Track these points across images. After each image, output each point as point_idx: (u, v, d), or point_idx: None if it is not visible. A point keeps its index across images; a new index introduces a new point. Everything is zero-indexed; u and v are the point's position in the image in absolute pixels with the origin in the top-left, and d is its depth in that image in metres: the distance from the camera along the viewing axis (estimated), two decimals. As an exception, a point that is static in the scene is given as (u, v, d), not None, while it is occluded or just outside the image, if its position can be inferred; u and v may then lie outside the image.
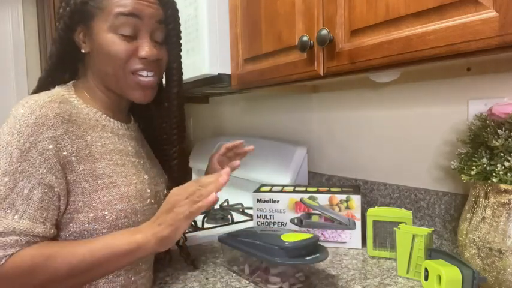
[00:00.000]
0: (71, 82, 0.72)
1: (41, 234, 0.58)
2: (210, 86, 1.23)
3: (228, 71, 1.13)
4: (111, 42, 0.66)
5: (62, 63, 0.72)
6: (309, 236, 0.76)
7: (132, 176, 0.69)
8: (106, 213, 0.64)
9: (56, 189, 0.60)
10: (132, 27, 0.66)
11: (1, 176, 0.56)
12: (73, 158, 0.62)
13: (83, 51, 0.70)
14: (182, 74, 0.80)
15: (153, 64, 0.70)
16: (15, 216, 0.56)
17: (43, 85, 0.71)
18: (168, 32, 0.74)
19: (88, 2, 0.66)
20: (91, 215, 0.63)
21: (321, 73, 0.82)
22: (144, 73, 0.69)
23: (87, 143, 0.65)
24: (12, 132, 0.58)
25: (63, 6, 0.68)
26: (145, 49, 0.67)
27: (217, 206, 1.38)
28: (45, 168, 0.58)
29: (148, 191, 0.72)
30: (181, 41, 0.77)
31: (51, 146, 0.59)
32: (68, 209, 0.62)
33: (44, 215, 0.58)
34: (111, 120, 0.72)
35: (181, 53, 0.79)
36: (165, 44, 0.74)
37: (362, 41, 0.73)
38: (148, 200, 0.71)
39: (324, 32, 0.76)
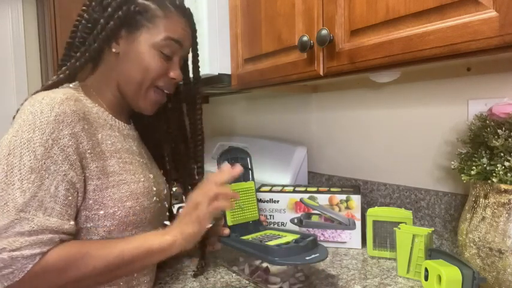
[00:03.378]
0: (77, 83, 0.73)
1: (69, 231, 0.59)
2: (210, 86, 1.23)
3: (228, 71, 1.13)
4: (151, 56, 0.71)
5: (85, 58, 0.72)
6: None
7: (139, 174, 0.71)
8: (116, 210, 0.65)
9: (76, 186, 0.61)
10: (172, 50, 0.73)
11: (27, 173, 0.56)
12: (88, 155, 0.63)
13: (113, 50, 0.71)
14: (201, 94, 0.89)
15: (175, 85, 0.78)
16: (45, 214, 0.56)
17: (60, 76, 0.71)
18: (195, 59, 0.85)
19: (141, 13, 0.71)
20: (101, 212, 0.64)
21: (321, 73, 0.82)
22: (165, 91, 0.76)
23: (99, 141, 0.66)
24: (33, 129, 0.58)
25: (112, 6, 0.69)
26: (177, 72, 0.75)
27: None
28: (67, 165, 0.59)
29: (154, 189, 0.73)
30: (199, 58, 0.86)
31: (71, 143, 0.60)
32: (79, 207, 0.63)
33: (69, 212, 0.60)
34: (117, 120, 0.74)
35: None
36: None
37: (362, 41, 0.73)
38: (154, 197, 0.73)
39: (324, 32, 0.76)
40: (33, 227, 0.55)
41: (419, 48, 0.63)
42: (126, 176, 0.68)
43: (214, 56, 1.10)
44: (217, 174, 0.70)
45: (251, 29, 1.04)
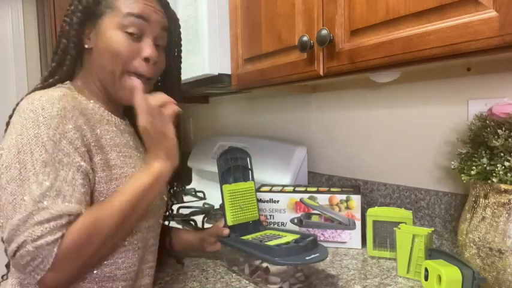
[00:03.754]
0: (68, 82, 0.73)
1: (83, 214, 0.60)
2: (210, 86, 1.23)
3: (228, 71, 1.13)
4: (116, 38, 0.69)
5: (66, 59, 0.73)
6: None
7: (139, 167, 0.71)
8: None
9: (90, 176, 0.62)
10: (138, 28, 0.70)
11: (41, 167, 0.57)
12: (92, 148, 0.64)
13: (86, 46, 0.72)
14: (181, 86, 0.86)
15: (152, 67, 0.72)
16: (65, 201, 0.57)
17: (47, 82, 0.72)
18: (170, 45, 0.79)
19: (101, 2, 0.70)
20: None
21: (321, 73, 0.82)
22: (144, 74, 0.72)
23: (98, 135, 0.67)
24: (37, 125, 0.59)
25: (74, 4, 0.71)
26: (148, 50, 0.70)
27: (217, 206, 1.38)
28: (78, 156, 0.61)
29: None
30: (181, 54, 0.83)
31: (77, 136, 0.61)
32: None
33: (87, 199, 0.61)
34: (113, 115, 0.74)
35: (181, 66, 0.84)
36: (164, 53, 0.77)
37: (362, 41, 0.73)
38: None
39: (324, 32, 0.76)
40: (53, 214, 0.55)
41: (419, 48, 0.63)
42: (127, 169, 0.69)
43: (214, 56, 1.10)
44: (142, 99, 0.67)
45: (251, 29, 1.04)
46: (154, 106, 0.66)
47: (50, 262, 0.54)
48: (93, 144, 0.64)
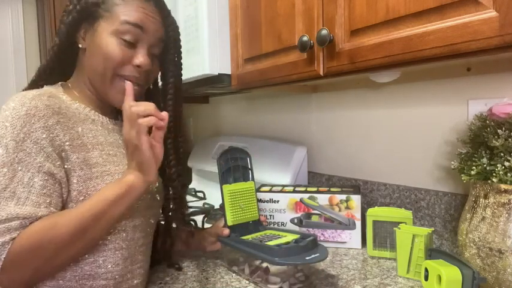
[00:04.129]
0: (59, 83, 0.74)
1: (44, 216, 0.59)
2: (210, 86, 1.23)
3: (228, 71, 1.13)
4: (110, 44, 0.69)
5: (61, 58, 0.74)
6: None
7: (124, 166, 0.70)
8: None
9: (56, 176, 0.61)
10: (134, 36, 0.70)
11: (0, 167, 0.57)
12: (67, 147, 0.64)
13: (80, 46, 0.72)
14: (181, 89, 0.83)
15: (143, 74, 0.73)
16: (18, 204, 0.57)
17: (40, 79, 0.73)
18: (168, 51, 0.78)
19: (99, 5, 0.70)
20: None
21: (321, 73, 0.82)
22: (135, 81, 0.71)
23: (79, 133, 0.67)
24: (5, 125, 0.59)
25: (73, 3, 0.71)
26: (140, 58, 0.71)
27: (217, 206, 1.38)
28: (42, 157, 0.60)
29: None
30: (182, 61, 0.82)
31: (44, 136, 0.61)
32: (65, 198, 0.64)
33: (48, 201, 0.60)
34: (100, 115, 0.74)
35: (182, 72, 0.83)
36: (161, 60, 0.78)
37: (362, 41, 0.73)
38: None
39: (324, 32, 0.76)
40: (3, 216, 0.56)
41: (419, 48, 0.63)
42: (110, 167, 0.68)
43: (214, 56, 1.10)
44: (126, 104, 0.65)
45: (251, 29, 1.04)
46: (133, 114, 0.63)
47: (0, 264, 0.54)
48: (68, 143, 0.64)
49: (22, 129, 0.59)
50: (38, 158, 0.60)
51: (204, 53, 1.09)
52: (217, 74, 1.11)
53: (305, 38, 0.81)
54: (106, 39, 0.69)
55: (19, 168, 0.58)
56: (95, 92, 0.74)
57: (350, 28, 0.75)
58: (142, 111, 0.63)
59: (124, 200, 0.63)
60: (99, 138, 0.70)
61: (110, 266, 0.67)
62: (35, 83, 0.74)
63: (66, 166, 0.63)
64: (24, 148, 0.59)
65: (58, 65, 0.74)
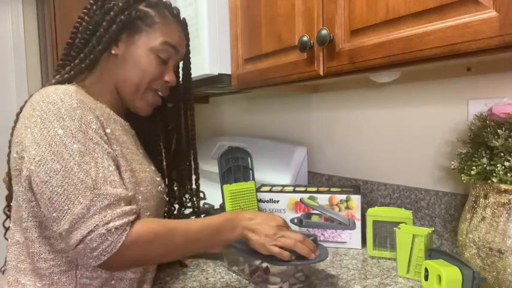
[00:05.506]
0: (75, 84, 0.73)
1: (130, 199, 0.63)
2: (210, 86, 1.23)
3: (228, 71, 1.13)
4: (148, 59, 0.74)
5: (90, 60, 0.73)
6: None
7: (144, 165, 0.74)
8: (134, 193, 0.67)
9: (116, 159, 0.65)
10: (169, 55, 0.77)
11: (80, 157, 0.59)
12: (109, 138, 0.67)
13: (113, 52, 0.74)
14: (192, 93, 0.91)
15: (168, 88, 0.81)
16: (113, 187, 0.60)
17: (65, 76, 0.73)
18: (186, 65, 0.89)
19: (142, 19, 0.74)
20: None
21: (321, 73, 0.82)
22: (160, 93, 0.79)
23: (111, 130, 0.69)
24: (61, 117, 0.60)
25: (114, 10, 0.72)
26: (171, 76, 0.79)
27: (217, 206, 1.38)
28: (104, 143, 0.63)
29: (158, 179, 0.76)
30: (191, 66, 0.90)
31: (98, 125, 0.64)
32: None
33: (122, 182, 0.64)
34: (118, 116, 0.76)
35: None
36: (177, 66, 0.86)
37: (362, 41, 0.73)
38: (159, 187, 0.76)
39: (324, 32, 0.76)
40: (111, 200, 0.58)
41: (419, 48, 0.63)
42: (135, 165, 0.71)
43: (214, 56, 1.10)
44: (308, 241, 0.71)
45: (251, 29, 1.04)
46: (300, 238, 0.69)
47: (118, 247, 0.57)
48: (110, 134, 0.67)
49: (81, 120, 0.61)
50: (104, 145, 0.63)
51: (204, 53, 1.09)
52: (217, 74, 1.11)
53: (305, 38, 0.81)
54: (146, 55, 0.74)
55: (95, 155, 0.60)
56: (116, 97, 0.76)
57: (350, 28, 0.75)
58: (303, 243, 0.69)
59: (222, 238, 0.68)
60: (123, 137, 0.72)
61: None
62: (63, 82, 0.72)
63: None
64: (90, 137, 0.61)
65: (85, 66, 0.73)
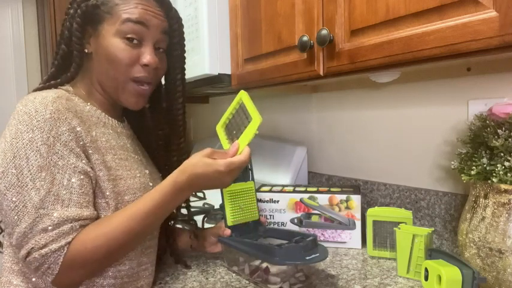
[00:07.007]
0: (67, 85, 0.73)
1: (89, 217, 0.61)
2: (210, 86, 1.23)
3: (228, 71, 1.13)
4: (116, 46, 0.68)
5: (67, 62, 0.73)
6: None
7: (135, 170, 0.72)
8: (116, 203, 0.66)
9: (90, 174, 0.63)
10: (137, 34, 0.69)
11: (37, 172, 0.58)
12: (88, 148, 0.65)
13: (86, 51, 0.72)
14: (186, 85, 0.83)
15: (152, 72, 0.72)
16: (63, 206, 0.58)
17: (48, 83, 0.72)
18: (173, 46, 0.77)
19: (99, 7, 0.69)
20: (103, 202, 0.66)
21: (321, 73, 0.82)
22: (143, 84, 0.72)
23: (93, 137, 0.67)
24: (31, 128, 0.59)
25: (73, 7, 0.70)
26: (147, 57, 0.70)
27: (217, 206, 1.38)
28: (73, 157, 0.61)
29: (151, 184, 0.75)
30: (185, 55, 0.81)
31: (71, 137, 0.62)
32: None
33: (87, 199, 0.62)
34: (110, 118, 0.74)
35: (185, 65, 0.83)
36: (166, 55, 0.77)
37: (362, 41, 0.73)
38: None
39: (324, 32, 0.76)
40: (54, 221, 0.57)
41: (419, 48, 0.63)
42: (122, 171, 0.69)
43: (214, 56, 1.10)
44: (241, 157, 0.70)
45: (251, 29, 1.04)
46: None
47: (57, 269, 0.57)
48: (88, 144, 0.65)
49: (50, 132, 0.59)
50: (70, 159, 0.60)
51: (204, 53, 1.09)
52: (217, 74, 1.11)
53: (305, 38, 0.81)
54: (110, 41, 0.68)
55: (56, 171, 0.59)
56: (105, 95, 0.74)
57: (350, 28, 0.75)
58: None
59: (169, 204, 0.66)
60: (111, 142, 0.70)
61: (118, 265, 0.68)
62: (48, 86, 0.71)
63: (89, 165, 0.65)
64: (56, 151, 0.59)
65: (65, 70, 0.73)
